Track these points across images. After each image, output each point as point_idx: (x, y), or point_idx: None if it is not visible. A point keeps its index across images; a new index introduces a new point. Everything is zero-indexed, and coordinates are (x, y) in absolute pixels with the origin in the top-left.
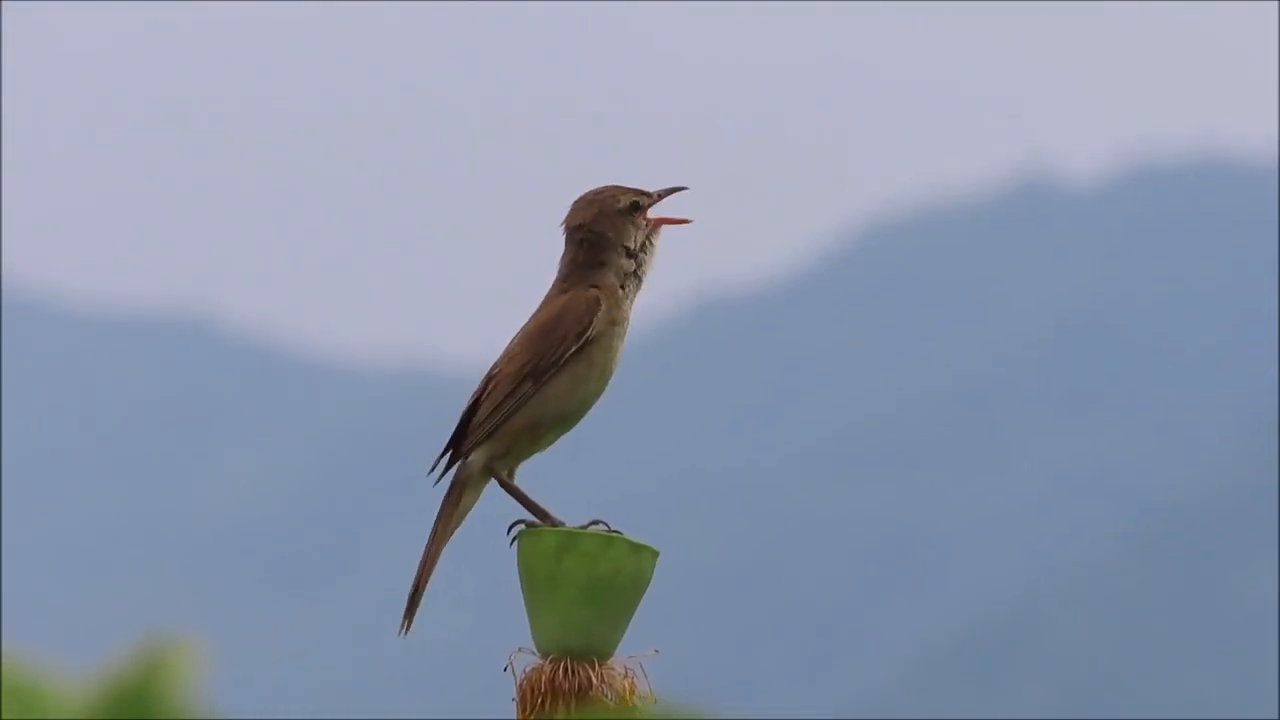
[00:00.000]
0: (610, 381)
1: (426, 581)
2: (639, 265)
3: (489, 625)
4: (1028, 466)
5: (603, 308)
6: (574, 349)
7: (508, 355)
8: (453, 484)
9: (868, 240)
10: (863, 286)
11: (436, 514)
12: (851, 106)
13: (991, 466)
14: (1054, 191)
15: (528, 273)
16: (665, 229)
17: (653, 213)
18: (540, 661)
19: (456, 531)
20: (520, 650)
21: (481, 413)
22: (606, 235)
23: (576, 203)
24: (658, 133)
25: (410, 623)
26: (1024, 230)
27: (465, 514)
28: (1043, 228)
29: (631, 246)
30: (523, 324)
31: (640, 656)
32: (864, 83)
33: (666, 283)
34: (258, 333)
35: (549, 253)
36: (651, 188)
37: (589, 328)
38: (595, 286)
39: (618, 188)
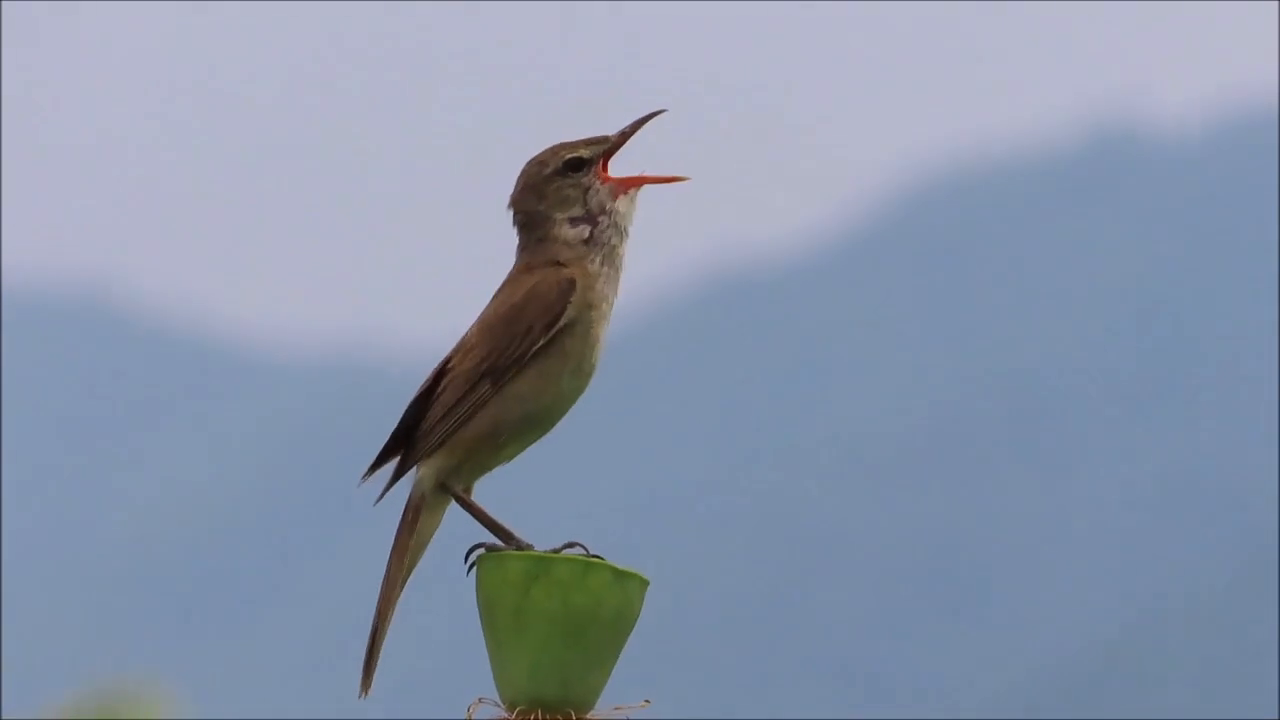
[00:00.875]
0: (592, 377)
1: (385, 628)
2: (595, 232)
3: (444, 670)
4: (1103, 474)
5: (577, 290)
6: (542, 342)
7: (463, 348)
8: (406, 508)
9: (910, 206)
10: (904, 261)
11: (391, 545)
12: (892, 48)
13: (1058, 475)
14: (1137, 145)
15: (491, 253)
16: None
17: (630, 171)
18: (505, 714)
19: (417, 565)
20: (481, 700)
21: (431, 417)
22: (536, 210)
23: (520, 173)
24: (667, 86)
25: (370, 680)
26: (1100, 193)
27: (425, 543)
28: (1123, 190)
29: (576, 213)
30: (483, 309)
31: (628, 709)
32: (907, 19)
33: (667, 257)
34: (173, 318)
35: (506, 232)
36: (652, 160)
37: (560, 316)
38: (563, 265)
39: (555, 146)
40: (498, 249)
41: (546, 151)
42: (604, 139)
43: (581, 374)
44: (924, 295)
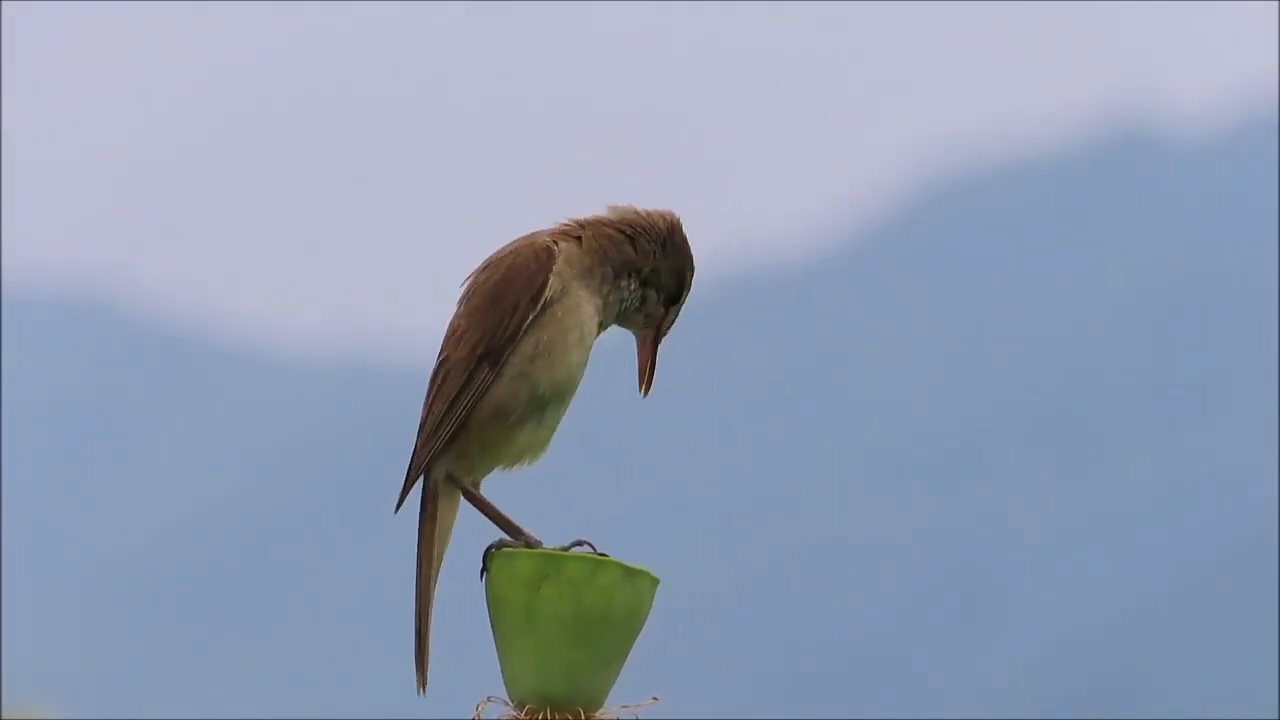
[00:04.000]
0: (589, 353)
1: (428, 622)
2: (639, 297)
3: (451, 668)
4: (1117, 475)
5: (558, 258)
6: (532, 316)
7: (454, 336)
8: (423, 501)
9: (920, 206)
10: (914, 261)
11: (417, 540)
12: (904, 46)
13: (1078, 477)
14: (1148, 144)
15: (488, 253)
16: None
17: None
18: (514, 713)
19: (445, 554)
20: (489, 699)
21: (436, 410)
22: (628, 255)
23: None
24: (674, 85)
25: (424, 675)
26: (1119, 189)
27: (448, 531)
28: (1142, 186)
29: (628, 292)
30: (461, 297)
31: (637, 707)
32: (920, 18)
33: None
34: (176, 318)
35: (511, 232)
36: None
37: (544, 286)
38: (553, 238)
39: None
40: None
41: (689, 273)
42: (659, 327)
43: (584, 346)
44: (934, 295)
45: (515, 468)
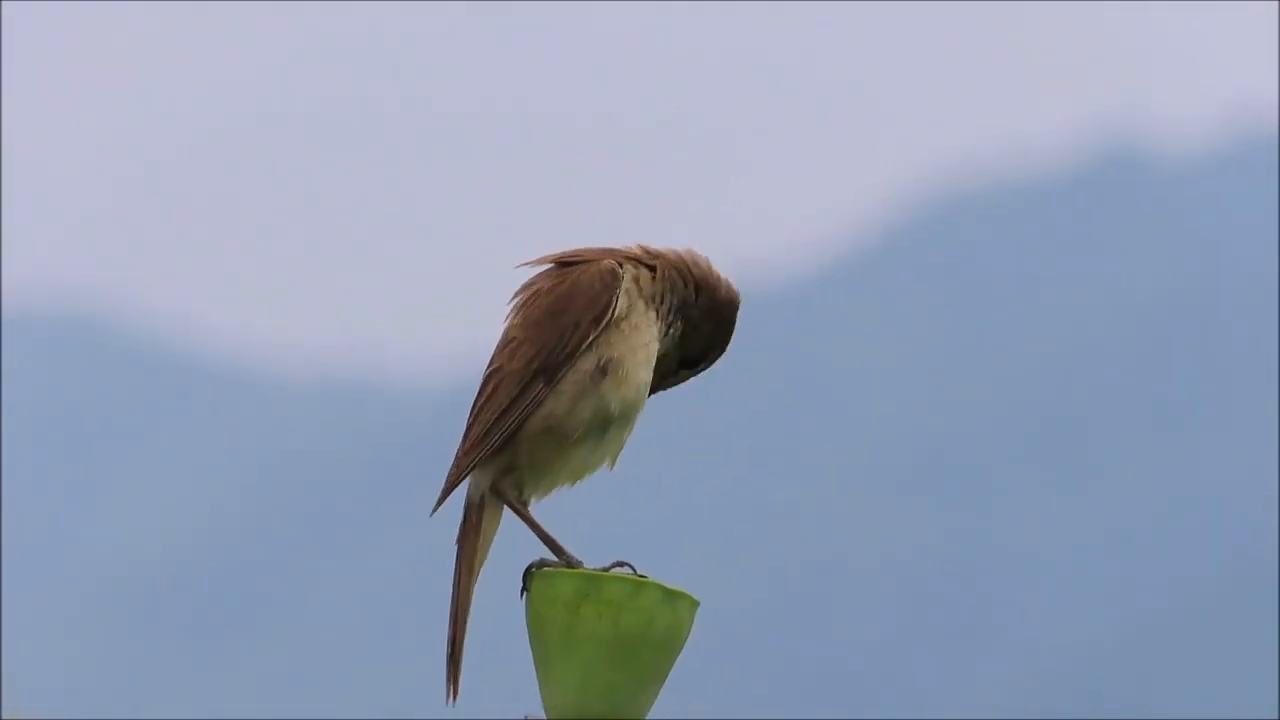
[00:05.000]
0: (648, 387)
1: (464, 632)
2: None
3: (486, 687)
4: (1111, 487)
5: (623, 283)
6: (593, 336)
7: (508, 347)
8: (465, 510)
9: (923, 218)
10: (908, 276)
11: (456, 550)
12: (899, 63)
13: (1076, 491)
14: (1142, 161)
15: (494, 273)
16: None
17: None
18: None
19: (484, 566)
20: (527, 719)
21: (483, 419)
22: (683, 291)
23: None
24: (674, 92)
25: (456, 687)
26: (1117, 206)
27: (490, 542)
28: (1140, 203)
29: (671, 318)
30: (516, 305)
31: None
32: (913, 34)
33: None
34: (169, 336)
35: (511, 249)
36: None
37: (608, 308)
38: (615, 260)
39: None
40: (501, 269)
41: (732, 310)
42: (690, 373)
43: (650, 366)
44: (931, 311)
45: (571, 486)
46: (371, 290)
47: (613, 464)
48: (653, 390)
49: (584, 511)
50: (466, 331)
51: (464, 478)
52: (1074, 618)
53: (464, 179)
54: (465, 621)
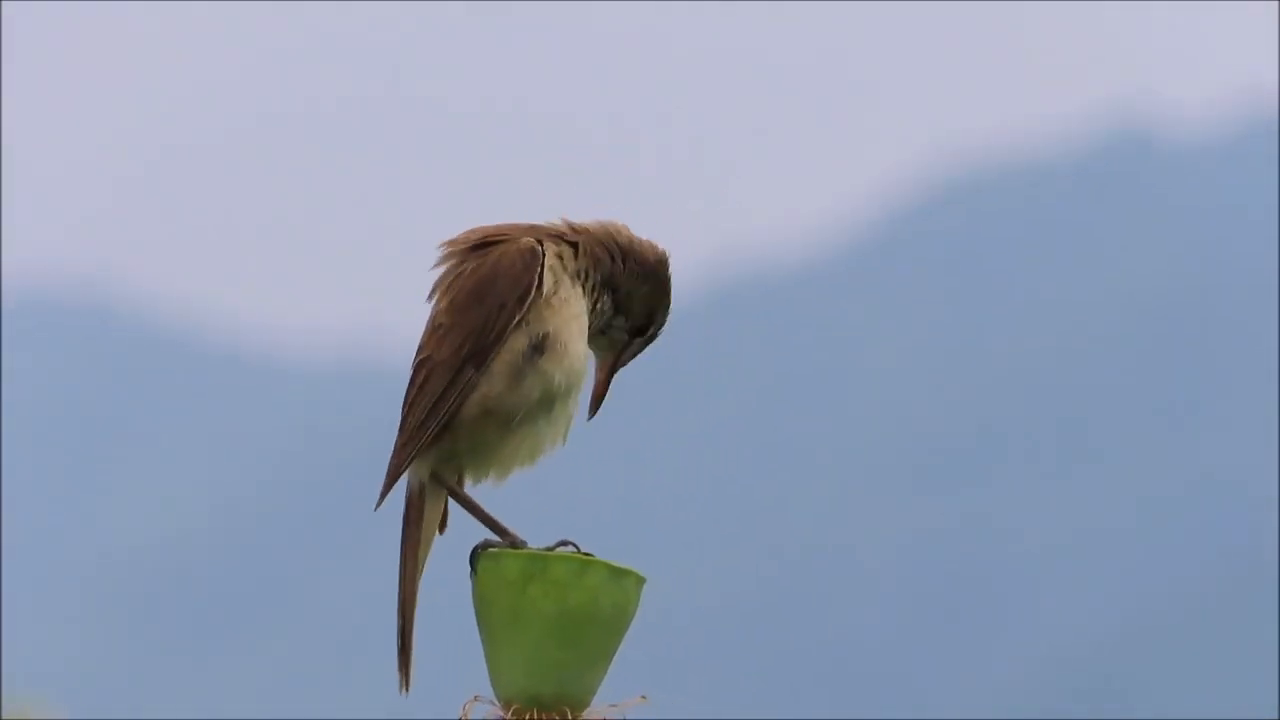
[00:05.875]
0: (587, 358)
1: (411, 624)
2: (609, 325)
3: (437, 669)
4: (1114, 478)
5: (545, 260)
6: (519, 316)
7: (435, 334)
8: (407, 503)
9: (919, 208)
10: (911, 264)
11: (401, 541)
12: (905, 47)
13: (1076, 482)
14: (1156, 144)
15: None
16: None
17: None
18: (501, 713)
19: (429, 557)
20: (477, 699)
21: (418, 410)
22: (610, 267)
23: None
24: (675, 83)
25: (407, 676)
26: (1118, 193)
27: (432, 535)
28: (1141, 190)
29: (604, 307)
30: (440, 284)
31: (625, 705)
32: (921, 19)
33: (674, 258)
34: (176, 319)
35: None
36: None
37: (531, 287)
38: (534, 235)
39: (665, 301)
40: None
41: (664, 271)
42: (619, 356)
43: (584, 336)
44: (931, 300)
45: (513, 471)
46: (384, 278)
47: (564, 439)
48: (613, 368)
49: (582, 501)
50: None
51: (404, 469)
52: (1075, 611)
53: (463, 177)
54: (411, 612)
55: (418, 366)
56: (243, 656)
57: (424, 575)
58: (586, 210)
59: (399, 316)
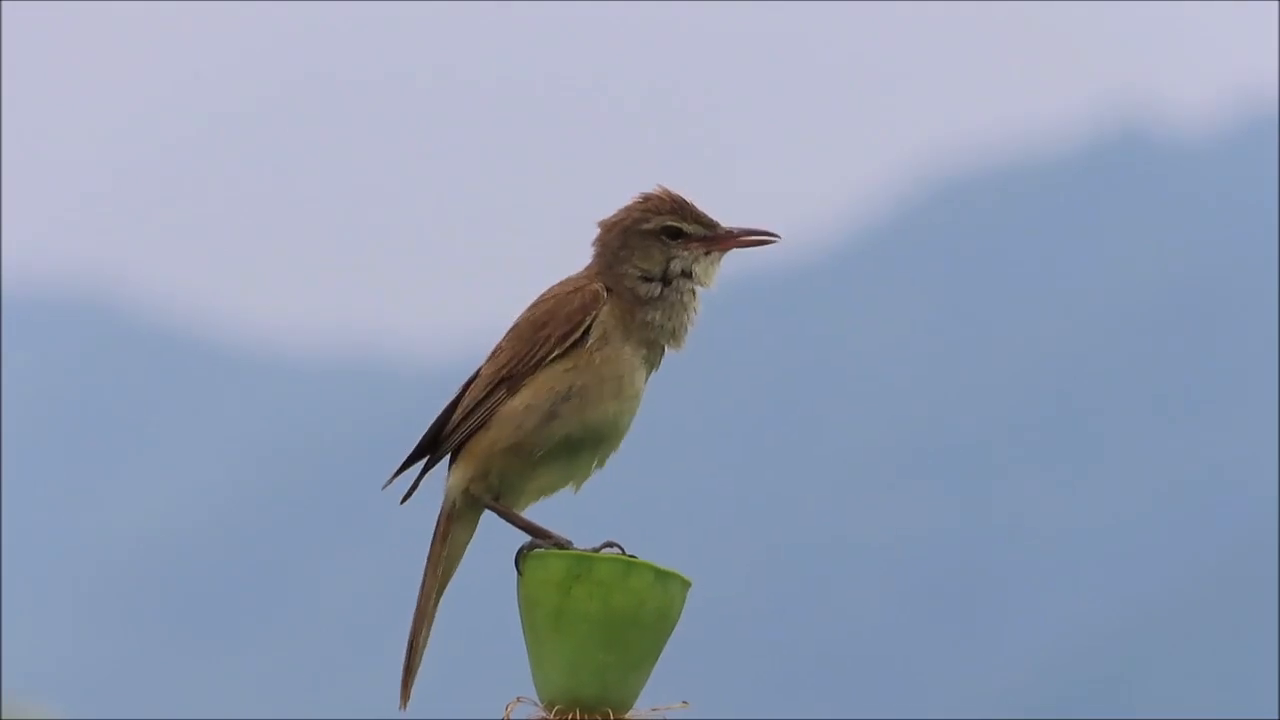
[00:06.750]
0: (635, 403)
1: (422, 642)
2: (665, 291)
3: (477, 668)
4: (1114, 475)
5: (603, 307)
6: (557, 352)
7: (493, 354)
8: (437, 519)
9: (925, 203)
10: (912, 263)
11: (426, 558)
12: (906, 46)
13: (1077, 477)
14: (1157, 141)
15: (503, 254)
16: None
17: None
18: (543, 714)
19: (452, 577)
20: (519, 700)
21: (453, 420)
22: (616, 251)
23: (624, 207)
24: (676, 84)
25: (408, 693)
26: (1119, 190)
27: (459, 555)
28: (1142, 187)
29: (652, 272)
30: (520, 316)
31: (666, 709)
32: (922, 17)
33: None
34: (176, 317)
35: (517, 228)
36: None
37: (577, 328)
38: (601, 284)
39: (669, 202)
40: (510, 250)
41: (658, 202)
42: (713, 225)
43: (624, 397)
44: (933, 296)
45: (531, 503)
46: (382, 274)
47: (577, 488)
48: (726, 238)
49: (583, 500)
50: (471, 315)
51: (429, 470)
52: (1077, 606)
53: (466, 178)
54: (424, 631)
55: (468, 380)
56: (241, 656)
57: (461, 575)
58: (586, 207)
59: (399, 316)
